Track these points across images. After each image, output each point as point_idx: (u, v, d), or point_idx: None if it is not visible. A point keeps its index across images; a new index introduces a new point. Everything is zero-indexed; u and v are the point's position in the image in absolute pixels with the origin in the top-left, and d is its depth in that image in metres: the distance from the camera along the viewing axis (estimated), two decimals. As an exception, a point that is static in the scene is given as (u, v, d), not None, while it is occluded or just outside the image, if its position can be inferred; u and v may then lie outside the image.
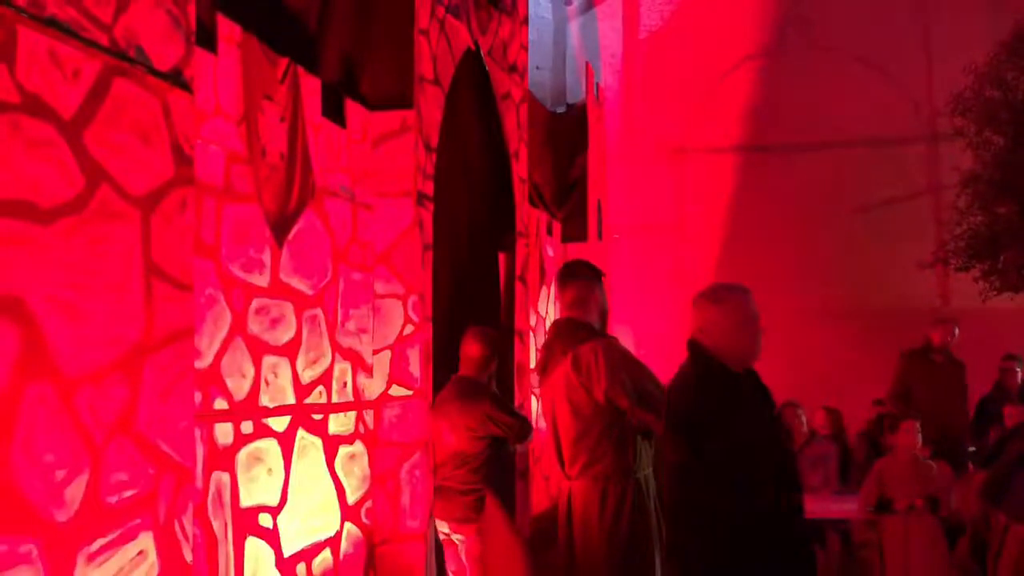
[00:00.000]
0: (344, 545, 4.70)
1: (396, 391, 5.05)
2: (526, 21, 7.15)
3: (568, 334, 3.33)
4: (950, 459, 5.96)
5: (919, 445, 5.42)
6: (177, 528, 2.95)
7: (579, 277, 3.50)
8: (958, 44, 9.48)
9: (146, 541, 2.81)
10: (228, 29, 3.85)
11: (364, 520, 4.90)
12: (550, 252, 8.59)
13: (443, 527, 4.80)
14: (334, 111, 4.73)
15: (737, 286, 2.93)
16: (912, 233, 9.90)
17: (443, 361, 5.23)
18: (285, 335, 4.24)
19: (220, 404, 3.75)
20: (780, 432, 2.90)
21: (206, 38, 3.62)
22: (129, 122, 2.79)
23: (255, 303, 4.02)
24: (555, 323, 3.63)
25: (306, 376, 4.41)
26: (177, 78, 2.99)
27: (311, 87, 4.46)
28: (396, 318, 5.07)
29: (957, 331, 6.85)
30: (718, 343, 2.75)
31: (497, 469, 4.82)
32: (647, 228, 10.79)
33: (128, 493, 2.75)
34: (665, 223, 10.77)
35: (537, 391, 5.19)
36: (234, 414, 3.83)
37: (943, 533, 5.25)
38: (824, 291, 10.21)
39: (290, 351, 4.28)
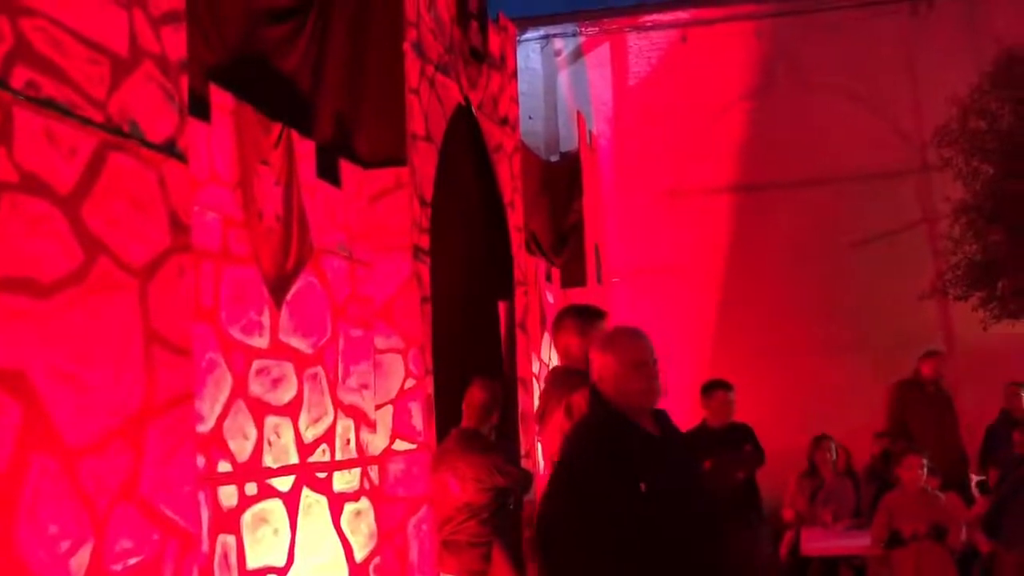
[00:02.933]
0: (353, 603, 4.68)
1: (400, 445, 5.07)
2: (515, 75, 7.29)
3: (562, 382, 3.36)
4: (951, 488, 5.95)
5: (924, 478, 5.41)
6: (183, 593, 2.96)
7: (563, 326, 3.53)
8: (943, 74, 9.62)
9: (152, 608, 2.82)
10: (221, 98, 3.95)
11: (372, 577, 4.88)
12: (550, 298, 8.64)
13: (451, 582, 4.77)
14: (329, 172, 4.82)
15: (629, 329, 2.85)
16: (910, 264, 9.94)
17: (446, 413, 5.25)
18: (286, 395, 4.28)
19: (224, 467, 3.77)
20: (682, 483, 2.68)
21: (199, 107, 3.71)
22: (125, 195, 2.86)
23: (255, 364, 4.06)
24: (551, 371, 3.66)
25: (309, 435, 4.43)
26: (171, 149, 3.07)
27: (305, 150, 4.55)
28: (397, 372, 5.11)
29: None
30: (609, 388, 2.71)
31: (505, 519, 4.82)
32: (646, 270, 10.85)
33: (133, 560, 2.77)
34: (663, 265, 10.83)
35: (539, 439, 5.20)
36: (238, 476, 3.85)
37: (953, 563, 5.22)
38: (826, 325, 10.22)
39: (292, 410, 4.31)
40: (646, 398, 2.72)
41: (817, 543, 6.20)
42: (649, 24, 11.14)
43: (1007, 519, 4.94)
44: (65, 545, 2.54)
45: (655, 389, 2.72)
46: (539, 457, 6.94)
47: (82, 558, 2.59)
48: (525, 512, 6.56)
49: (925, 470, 5.42)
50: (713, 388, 6.14)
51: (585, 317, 3.51)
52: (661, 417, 2.82)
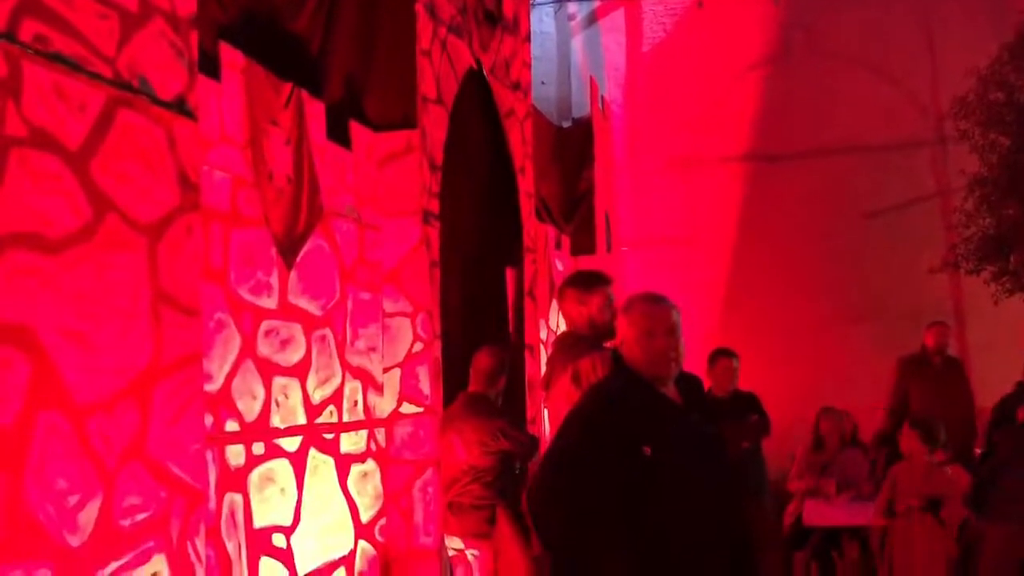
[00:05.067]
0: (358, 563, 4.73)
1: (407, 408, 5.09)
2: (528, 38, 7.21)
3: (568, 348, 3.36)
4: (962, 462, 5.92)
5: (927, 451, 5.40)
6: (190, 550, 2.99)
7: (564, 295, 3.51)
8: (962, 46, 9.48)
9: (159, 564, 2.85)
10: (231, 56, 3.91)
11: (378, 538, 4.93)
12: (559, 266, 8.62)
13: (456, 543, 4.82)
14: (339, 133, 4.79)
15: (650, 295, 2.77)
16: (923, 237, 9.86)
17: (453, 378, 5.26)
18: (295, 356, 4.29)
19: (231, 426, 3.79)
20: (691, 454, 2.61)
21: (209, 65, 3.68)
22: (134, 152, 2.85)
23: (264, 325, 4.06)
24: (557, 337, 3.66)
25: (317, 396, 4.45)
26: (181, 107, 3.05)
27: (315, 110, 4.52)
28: (405, 336, 5.11)
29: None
30: (629, 354, 2.66)
31: (511, 483, 4.85)
32: (656, 239, 10.80)
33: (141, 516, 2.79)
34: (674, 233, 10.77)
35: (545, 405, 5.20)
36: (245, 435, 3.88)
37: (946, 537, 5.21)
38: (837, 297, 10.18)
39: (300, 372, 4.32)
40: (659, 367, 2.65)
41: (819, 514, 6.22)
42: (665, -11, 10.99)
43: (992, 494, 4.91)
44: (73, 500, 2.56)
45: (671, 358, 2.64)
46: (545, 423, 6.97)
47: (90, 513, 2.61)
48: (531, 477, 6.60)
49: (928, 442, 5.40)
50: (717, 356, 6.13)
51: (585, 284, 3.49)
52: (690, 385, 2.77)
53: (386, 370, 5.09)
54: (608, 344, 3.29)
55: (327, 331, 4.57)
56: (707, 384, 6.02)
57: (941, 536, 5.21)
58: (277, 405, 4.12)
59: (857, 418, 7.23)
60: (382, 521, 4.96)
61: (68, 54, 2.61)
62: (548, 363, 3.59)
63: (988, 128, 8.45)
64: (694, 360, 2.86)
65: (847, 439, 6.83)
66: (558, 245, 8.70)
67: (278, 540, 4.07)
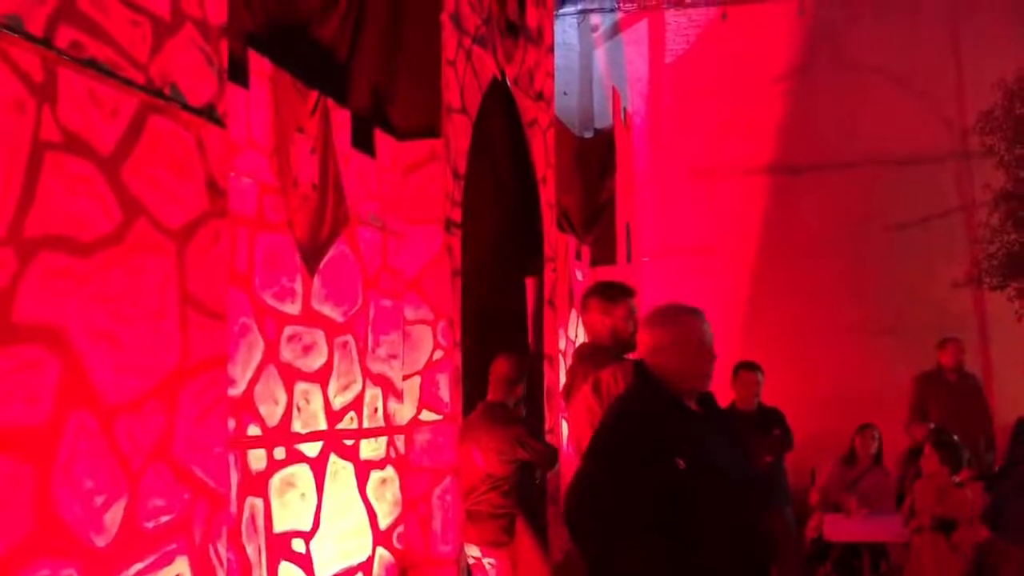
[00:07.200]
0: (376, 570, 4.74)
1: (426, 416, 5.10)
2: (552, 49, 7.24)
3: (589, 358, 3.36)
4: (981, 479, 5.87)
5: (949, 472, 5.34)
6: (212, 553, 3.01)
7: (588, 305, 3.52)
8: (989, 60, 9.44)
9: (182, 566, 2.88)
10: (259, 64, 3.95)
11: (396, 545, 4.94)
12: (579, 276, 8.63)
13: (474, 551, 4.82)
14: (364, 141, 4.83)
15: (689, 307, 2.79)
16: (946, 251, 9.81)
17: (472, 386, 5.27)
18: (317, 362, 4.31)
19: (253, 430, 3.82)
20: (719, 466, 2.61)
21: (238, 73, 3.72)
22: (164, 157, 2.88)
23: (287, 331, 4.09)
24: (578, 348, 3.66)
25: (337, 402, 4.47)
26: (210, 114, 3.09)
27: (341, 118, 4.55)
28: (426, 344, 5.13)
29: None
30: (669, 366, 2.65)
31: (528, 493, 4.85)
32: (677, 250, 10.79)
33: (164, 518, 2.82)
34: (695, 245, 10.76)
35: (565, 415, 5.21)
36: (267, 440, 3.90)
37: (953, 558, 5.14)
38: (859, 310, 10.13)
39: (322, 377, 4.35)
40: (696, 379, 2.67)
41: (840, 529, 6.18)
42: (688, 1, 11.00)
43: (1011, 512, 4.84)
44: (100, 500, 2.59)
45: (706, 372, 2.67)
46: (564, 433, 6.96)
47: (115, 514, 2.64)
48: (550, 487, 6.59)
49: (947, 464, 5.34)
50: (740, 369, 6.12)
51: (610, 295, 3.51)
52: (706, 399, 2.78)
53: (406, 377, 5.11)
54: (630, 356, 3.29)
55: (349, 337, 4.59)
56: (730, 397, 6.00)
57: (950, 558, 5.15)
58: (298, 410, 4.15)
59: (882, 431, 7.18)
60: (400, 528, 4.97)
61: (102, 60, 2.66)
62: (568, 373, 3.59)
63: (1014, 143, 8.40)
64: (715, 372, 2.86)
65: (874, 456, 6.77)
66: (578, 255, 8.70)
67: (297, 545, 4.08)
